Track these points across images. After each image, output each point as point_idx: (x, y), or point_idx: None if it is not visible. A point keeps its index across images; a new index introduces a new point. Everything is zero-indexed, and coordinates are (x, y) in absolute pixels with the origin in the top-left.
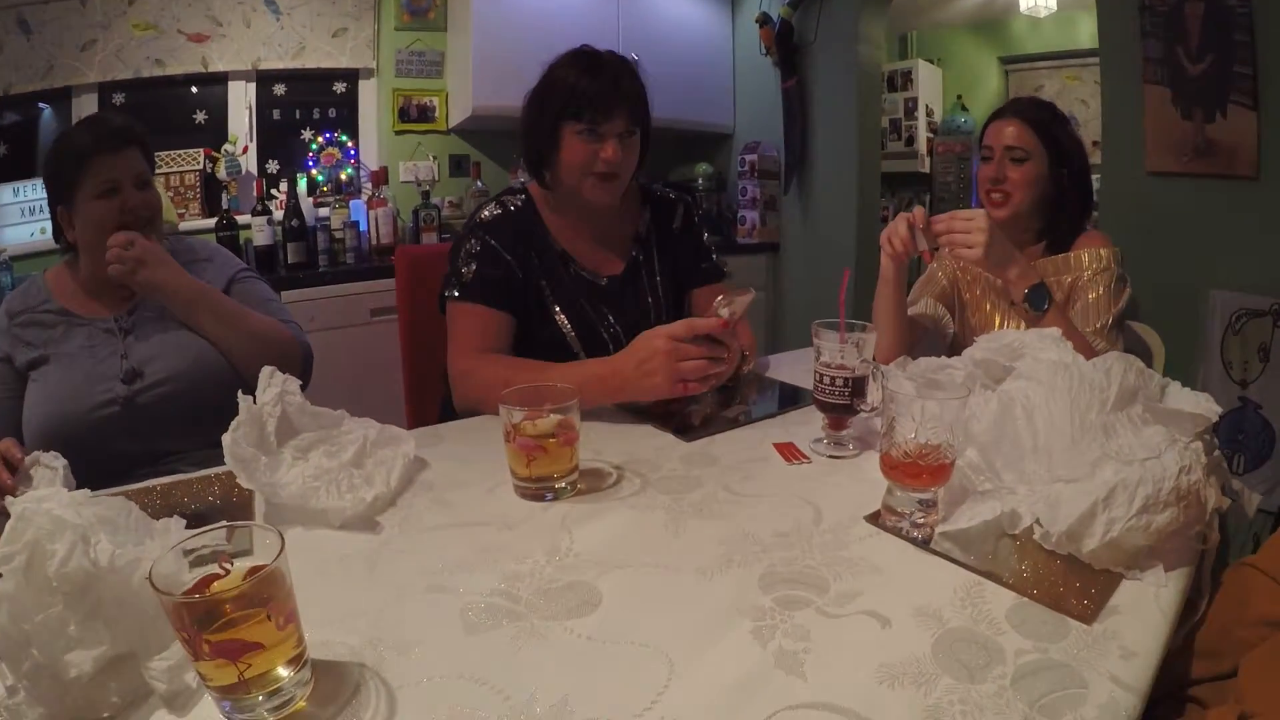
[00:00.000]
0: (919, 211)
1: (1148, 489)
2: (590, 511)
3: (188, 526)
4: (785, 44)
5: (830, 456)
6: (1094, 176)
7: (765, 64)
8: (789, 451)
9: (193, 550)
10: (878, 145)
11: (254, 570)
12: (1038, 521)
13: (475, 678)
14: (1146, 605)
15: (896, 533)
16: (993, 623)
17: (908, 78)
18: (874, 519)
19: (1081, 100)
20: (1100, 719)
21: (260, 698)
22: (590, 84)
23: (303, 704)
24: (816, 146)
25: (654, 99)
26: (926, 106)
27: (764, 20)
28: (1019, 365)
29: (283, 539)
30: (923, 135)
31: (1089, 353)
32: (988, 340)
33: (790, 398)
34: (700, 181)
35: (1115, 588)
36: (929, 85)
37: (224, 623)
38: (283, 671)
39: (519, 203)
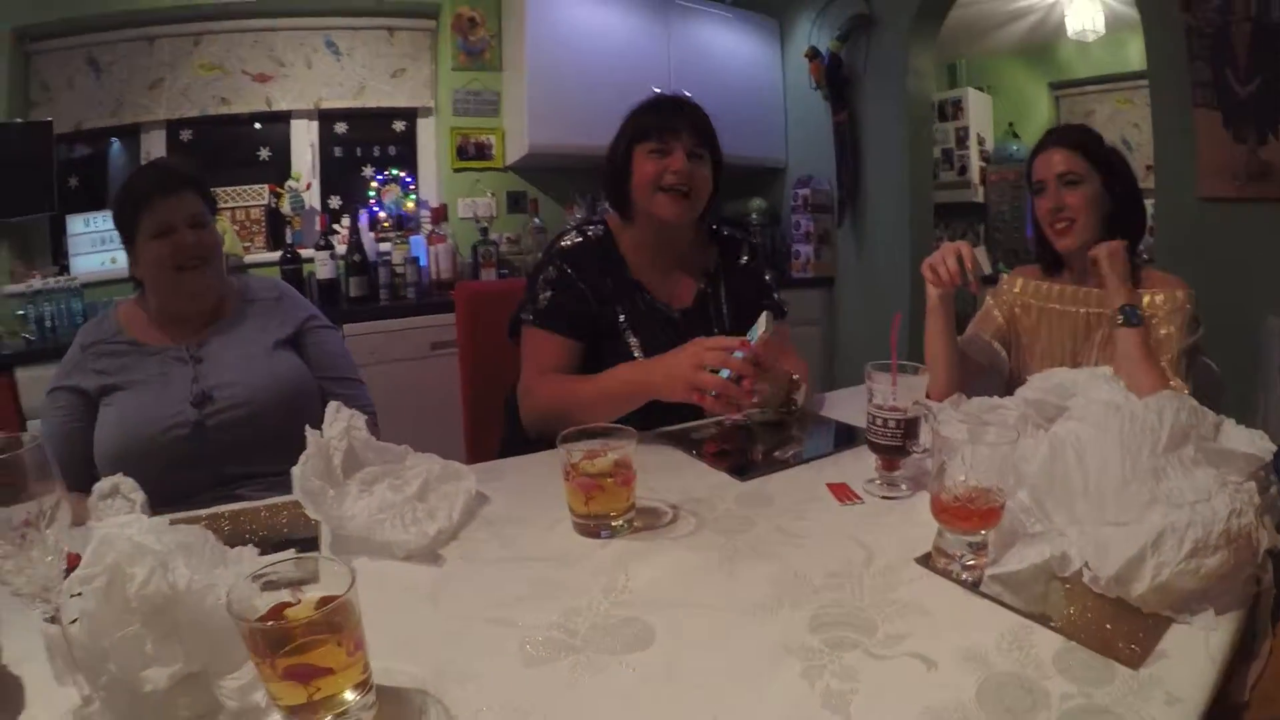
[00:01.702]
0: (967, 246)
1: (1197, 532)
2: (646, 549)
3: (260, 554)
4: (835, 77)
5: (883, 497)
6: (1147, 202)
7: (816, 98)
8: (842, 492)
9: (263, 576)
10: (929, 176)
11: (325, 600)
12: (1086, 565)
13: (533, 709)
14: (1195, 650)
15: (946, 575)
16: (1039, 666)
17: (958, 106)
18: (924, 561)
19: (1134, 124)
20: None
21: (328, 718)
22: (656, 111)
23: None
24: (869, 179)
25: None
26: (978, 135)
27: (813, 54)
28: (1071, 405)
29: (354, 573)
30: (975, 164)
31: (1162, 381)
32: (1040, 380)
33: (845, 437)
34: (754, 216)
35: (1164, 632)
36: (980, 113)
37: (295, 647)
38: (349, 695)
39: (598, 232)
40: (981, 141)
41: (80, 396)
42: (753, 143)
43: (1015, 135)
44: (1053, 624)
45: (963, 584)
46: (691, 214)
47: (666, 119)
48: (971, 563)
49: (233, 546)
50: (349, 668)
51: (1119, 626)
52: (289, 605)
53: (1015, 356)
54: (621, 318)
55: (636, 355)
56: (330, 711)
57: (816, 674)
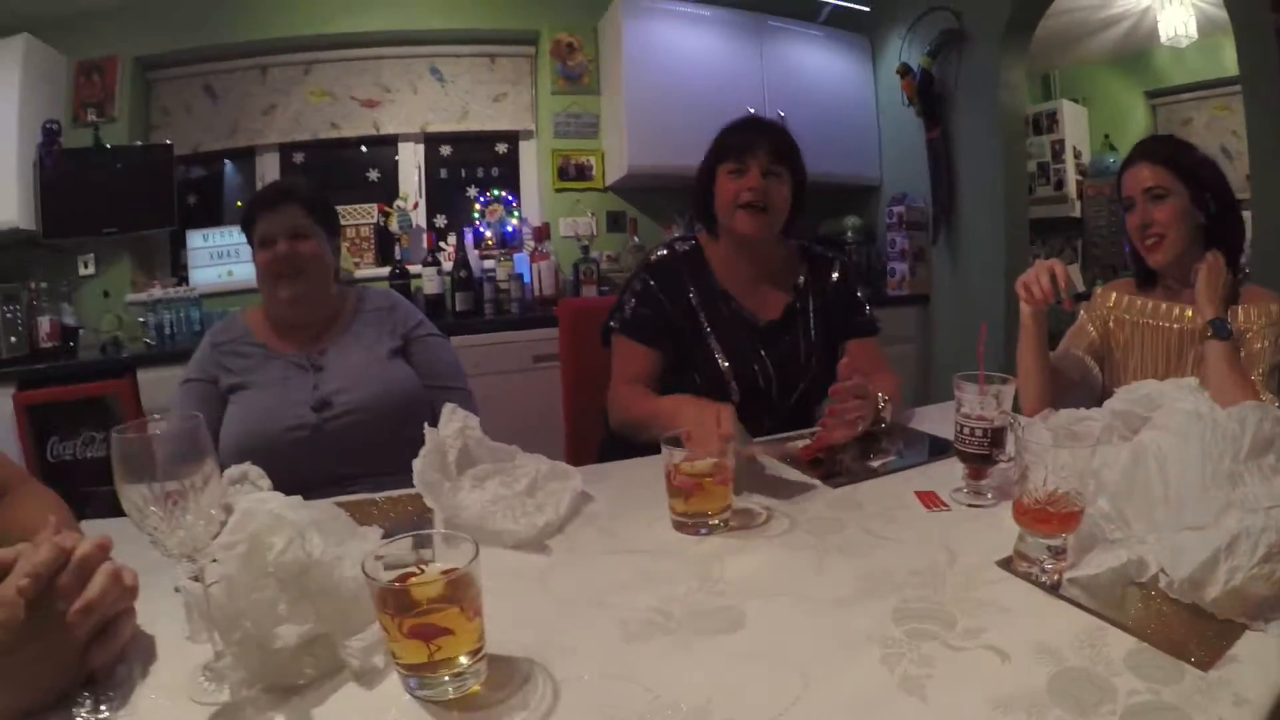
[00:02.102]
0: (1060, 265)
1: (1271, 537)
2: (741, 546)
3: (383, 535)
4: (927, 94)
5: (969, 505)
6: (1245, 212)
7: (909, 114)
8: (929, 499)
9: (384, 555)
10: (1024, 192)
11: (451, 571)
12: (1163, 570)
13: (630, 678)
14: (1268, 656)
15: (1027, 578)
16: (1109, 664)
17: (1053, 119)
18: (1006, 564)
19: (1232, 131)
20: None
21: (446, 677)
22: (740, 131)
23: (478, 688)
24: (963, 196)
25: (801, 153)
26: (1074, 148)
27: (904, 71)
28: (1155, 416)
29: (476, 546)
30: (1071, 178)
31: (1254, 396)
32: (1126, 392)
33: (936, 449)
34: (849, 234)
35: (1238, 637)
36: (1075, 125)
37: (418, 612)
38: (464, 659)
39: (687, 247)
40: (1078, 154)
41: (213, 387)
42: (847, 161)
43: (1112, 147)
44: (1127, 625)
45: (1042, 586)
46: (768, 229)
47: (744, 139)
48: (1051, 566)
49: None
50: (468, 632)
51: (1192, 630)
52: (414, 575)
53: (1109, 371)
54: (706, 326)
55: (719, 360)
56: (448, 671)
57: (895, 660)
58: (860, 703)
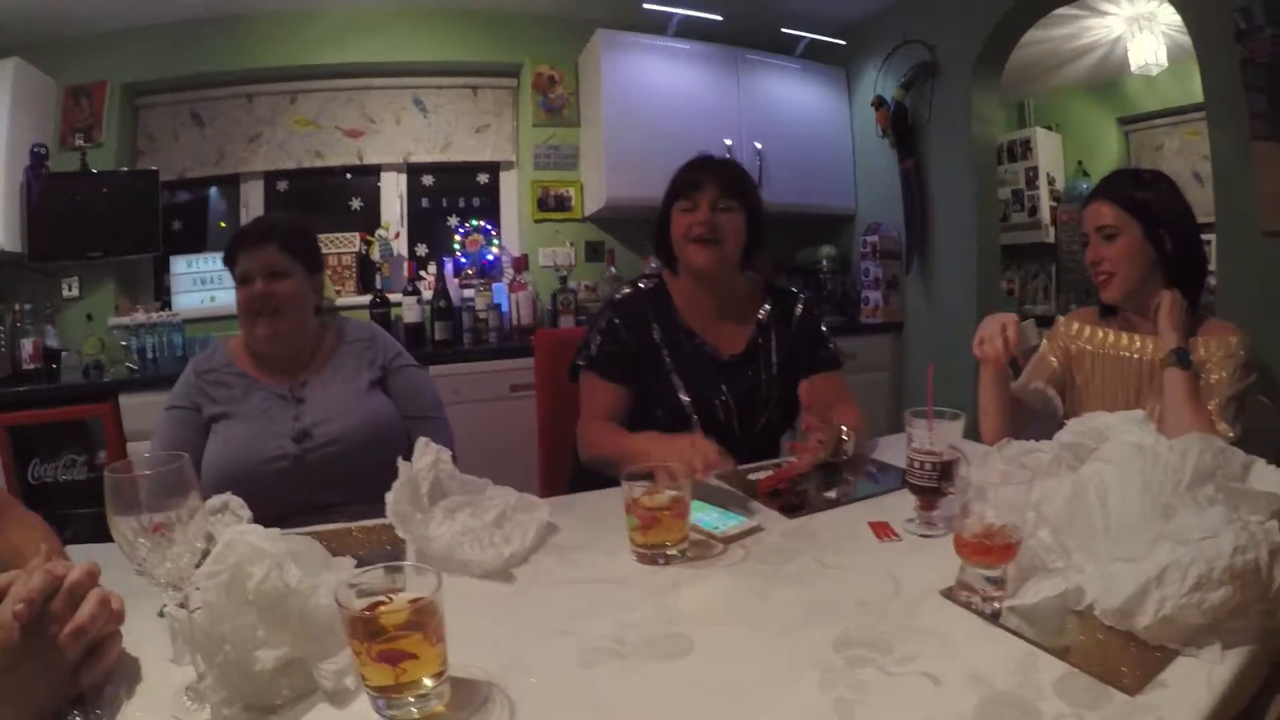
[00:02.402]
0: (1013, 323)
1: (1200, 568)
2: (696, 575)
3: (356, 565)
4: (900, 125)
5: (921, 535)
6: (1209, 236)
7: (883, 145)
8: (882, 530)
9: (357, 584)
10: (996, 221)
11: (416, 600)
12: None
13: (583, 700)
14: (1196, 682)
15: (967, 606)
16: (1038, 689)
17: (1027, 146)
18: (949, 593)
19: (1203, 156)
20: None
21: (411, 699)
22: (690, 171)
23: (441, 708)
24: (936, 225)
25: (777, 184)
26: (1048, 175)
27: (879, 103)
28: (1101, 448)
29: (440, 577)
30: (1045, 204)
31: (1209, 426)
32: (1078, 424)
33: (895, 480)
34: (824, 263)
35: (1169, 663)
36: (1049, 152)
37: (386, 638)
38: (428, 681)
39: (652, 285)
40: (1052, 181)
41: (195, 415)
42: (822, 190)
43: (1085, 174)
44: (1058, 652)
45: (981, 614)
46: (720, 260)
47: (695, 178)
48: (991, 595)
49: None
50: (431, 657)
51: (1124, 656)
52: (383, 604)
53: (1070, 400)
54: (669, 361)
55: (682, 396)
56: (412, 693)
57: (831, 685)
58: None
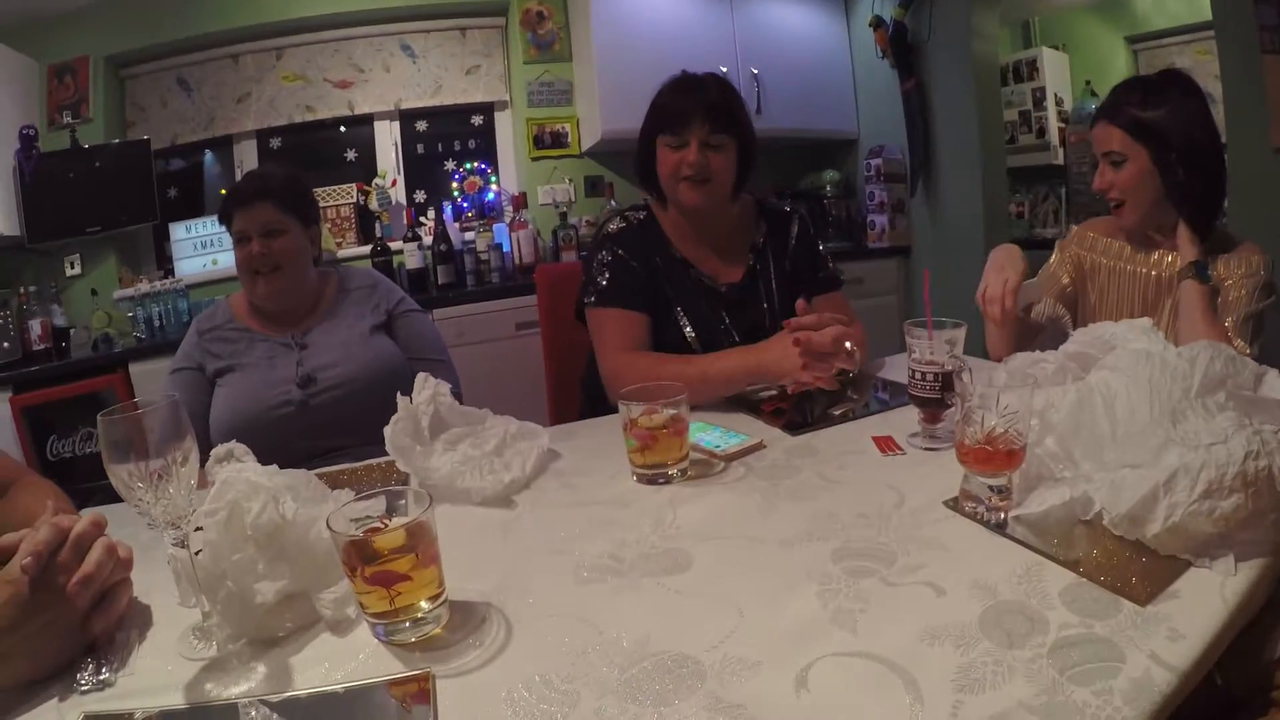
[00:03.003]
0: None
1: (1210, 474)
2: (695, 493)
3: (356, 497)
4: (900, 45)
5: (924, 449)
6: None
7: (884, 67)
8: (885, 444)
9: (357, 518)
10: (1001, 142)
11: (407, 521)
12: (1105, 507)
13: (578, 617)
14: (1209, 593)
15: (972, 517)
16: (1044, 598)
17: (1033, 67)
18: (953, 504)
19: (1215, 75)
20: (1131, 691)
21: (407, 623)
22: (674, 99)
23: (439, 631)
24: (940, 147)
25: (776, 109)
26: (1055, 95)
27: (877, 23)
28: (1107, 357)
29: (431, 498)
30: (1053, 126)
31: (1224, 340)
32: (1083, 334)
33: (900, 396)
34: (828, 188)
35: (1180, 574)
36: (1056, 73)
37: (380, 562)
38: (424, 605)
39: (640, 216)
40: (1059, 102)
41: (199, 374)
42: (823, 115)
43: (1093, 93)
44: (1066, 561)
45: (987, 524)
46: (713, 199)
47: (681, 107)
48: (996, 505)
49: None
50: (424, 578)
51: (1134, 567)
52: (378, 530)
53: (1081, 314)
54: (671, 294)
55: (686, 329)
56: (409, 617)
57: (831, 596)
58: (792, 634)
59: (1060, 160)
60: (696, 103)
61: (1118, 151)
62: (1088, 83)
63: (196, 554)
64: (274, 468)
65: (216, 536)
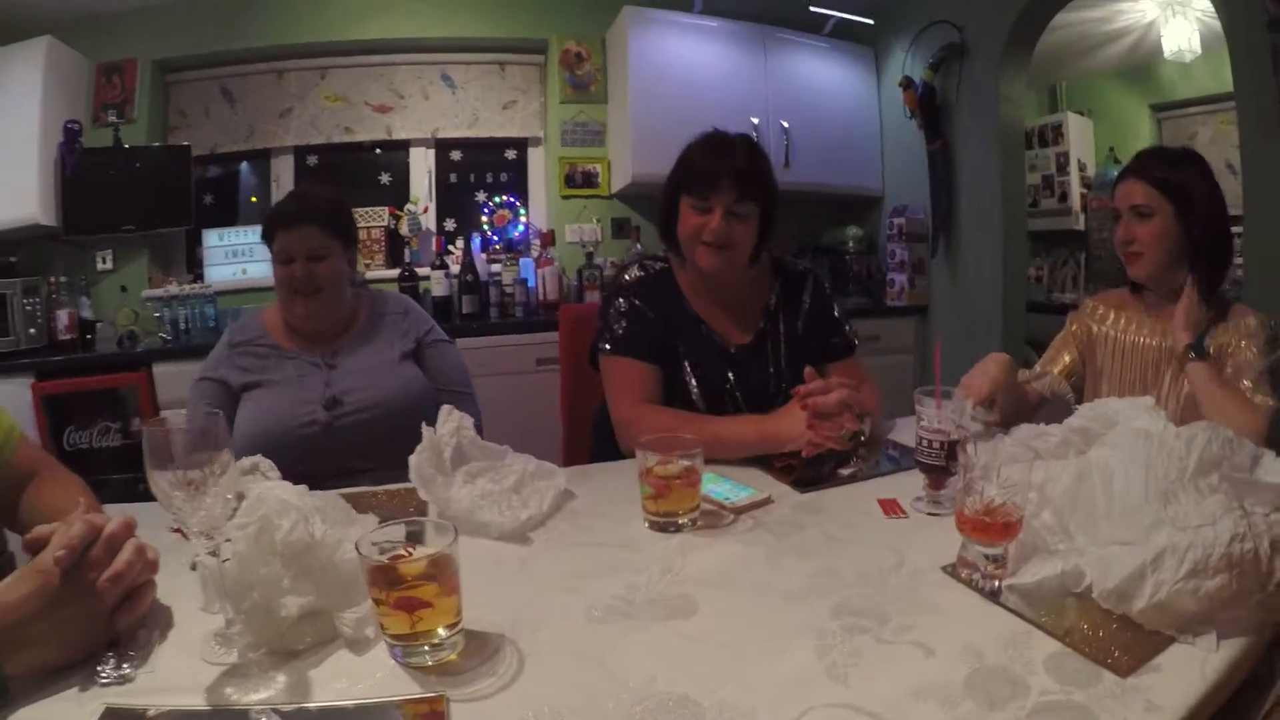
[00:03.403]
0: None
1: (1196, 554)
2: (705, 543)
3: (379, 523)
4: (929, 106)
5: (928, 514)
6: (1239, 229)
7: (911, 127)
8: (890, 507)
9: (379, 542)
10: (1023, 206)
11: (433, 552)
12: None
13: (588, 654)
14: (1190, 668)
15: (968, 583)
16: (1029, 664)
17: (1058, 131)
18: (950, 570)
19: (1236, 146)
20: None
21: (426, 647)
22: (703, 160)
23: (454, 657)
24: (962, 209)
25: (804, 163)
26: (1079, 160)
27: (907, 84)
28: (1109, 434)
29: (456, 531)
30: (1075, 191)
31: (1245, 402)
32: (1088, 409)
33: (908, 459)
34: (850, 244)
35: (1163, 649)
36: (1080, 138)
37: (405, 586)
38: (442, 631)
39: (658, 268)
40: (1082, 167)
41: (224, 387)
42: (849, 171)
43: (1116, 160)
44: (1052, 631)
45: (981, 591)
46: (731, 266)
47: (708, 170)
48: (991, 573)
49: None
50: (445, 607)
51: (1119, 640)
52: (402, 558)
53: (1089, 383)
54: (682, 350)
55: (693, 387)
56: (427, 641)
57: (826, 650)
58: (787, 685)
59: (1081, 226)
60: (725, 168)
61: (1145, 205)
62: (1111, 149)
63: (225, 561)
64: (304, 488)
65: (245, 549)
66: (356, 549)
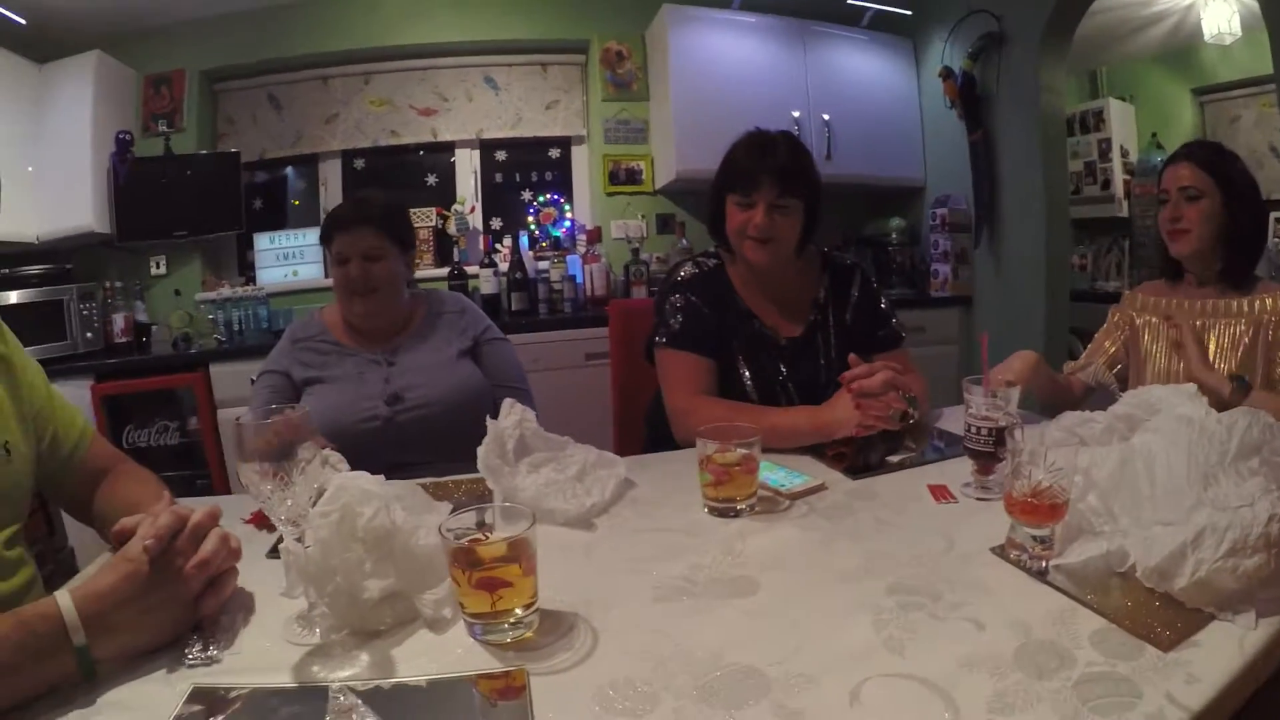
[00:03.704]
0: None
1: (1235, 533)
2: (762, 527)
3: (453, 511)
4: (969, 96)
5: (976, 499)
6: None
7: (951, 117)
8: (940, 492)
9: (454, 529)
10: (1066, 194)
11: (511, 537)
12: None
13: (657, 630)
14: (1229, 644)
15: (1016, 563)
16: (1075, 639)
17: (1099, 117)
18: (999, 551)
19: (1279, 129)
20: None
21: (505, 625)
22: (745, 159)
23: (531, 635)
24: (1005, 198)
25: (846, 155)
26: (1121, 147)
27: (946, 74)
28: (1152, 420)
29: (533, 516)
30: (1119, 177)
31: None
32: (1132, 395)
33: (956, 446)
34: (893, 236)
35: (1204, 626)
36: (1122, 124)
37: (485, 567)
38: (520, 610)
39: (710, 264)
40: (1125, 153)
41: (287, 380)
42: (891, 163)
43: (1159, 146)
44: (1098, 608)
45: (1029, 571)
46: (776, 258)
47: (750, 168)
48: (1038, 554)
49: None
50: (524, 587)
51: (1161, 616)
52: (480, 541)
53: (1133, 370)
54: (735, 344)
55: (746, 379)
56: (505, 620)
57: (883, 625)
58: (847, 656)
59: (1125, 213)
60: (766, 165)
61: (1194, 187)
62: (1154, 135)
63: (308, 547)
64: (381, 477)
65: (328, 535)
66: (441, 532)
